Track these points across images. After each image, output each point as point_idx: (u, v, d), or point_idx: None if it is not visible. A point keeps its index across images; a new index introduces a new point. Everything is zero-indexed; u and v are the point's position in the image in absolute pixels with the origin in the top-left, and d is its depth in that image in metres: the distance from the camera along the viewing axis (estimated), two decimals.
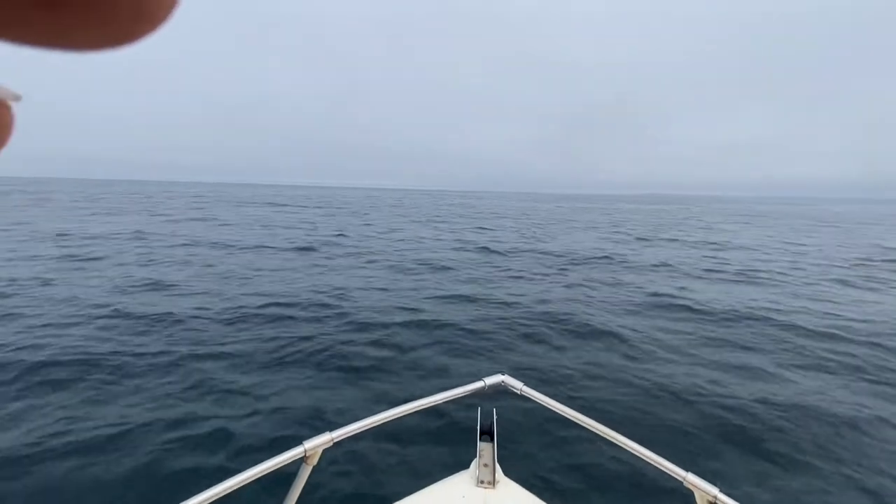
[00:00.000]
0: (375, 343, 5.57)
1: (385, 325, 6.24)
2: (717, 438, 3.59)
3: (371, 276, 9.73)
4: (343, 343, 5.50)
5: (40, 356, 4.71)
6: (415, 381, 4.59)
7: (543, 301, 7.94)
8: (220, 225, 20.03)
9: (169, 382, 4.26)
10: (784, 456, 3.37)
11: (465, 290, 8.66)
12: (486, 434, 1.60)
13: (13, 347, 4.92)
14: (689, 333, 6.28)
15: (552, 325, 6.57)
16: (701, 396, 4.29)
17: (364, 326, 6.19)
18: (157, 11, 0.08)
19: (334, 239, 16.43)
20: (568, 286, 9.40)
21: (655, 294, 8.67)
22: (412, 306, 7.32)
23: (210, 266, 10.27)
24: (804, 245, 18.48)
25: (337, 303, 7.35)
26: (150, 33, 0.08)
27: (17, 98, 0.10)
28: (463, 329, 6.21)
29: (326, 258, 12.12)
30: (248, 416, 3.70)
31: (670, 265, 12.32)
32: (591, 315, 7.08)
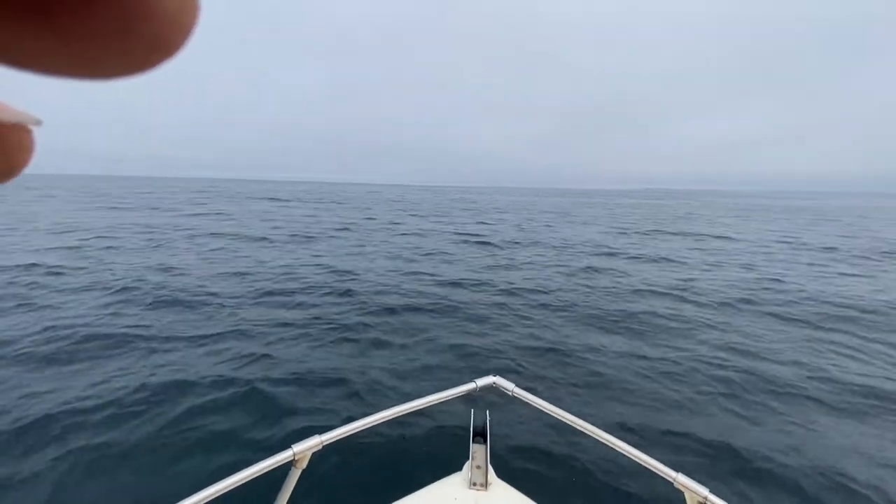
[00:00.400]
0: (386, 324, 5.86)
1: (392, 309, 6.48)
2: (709, 411, 3.79)
3: (378, 265, 9.91)
4: (358, 323, 5.81)
5: (78, 336, 5.01)
6: (423, 354, 4.87)
7: (544, 291, 8.12)
8: (227, 218, 20.23)
9: (206, 353, 4.56)
10: (759, 412, 3.58)
11: (470, 277, 8.86)
12: (479, 436, 1.58)
13: (58, 328, 5.17)
14: (687, 320, 6.46)
15: (553, 311, 6.77)
16: (700, 376, 4.48)
17: (374, 308, 6.49)
18: (174, 39, 0.08)
19: (338, 232, 16.61)
20: (568, 276, 9.57)
21: (655, 283, 8.85)
22: (419, 290, 7.55)
23: (228, 254, 10.47)
24: (801, 237, 18.60)
25: (349, 287, 7.61)
26: (166, 61, 0.09)
27: (38, 123, 0.10)
28: (466, 313, 6.44)
29: (329, 248, 12.30)
30: (268, 380, 3.95)
31: (670, 258, 12.48)
32: (590, 302, 7.28)
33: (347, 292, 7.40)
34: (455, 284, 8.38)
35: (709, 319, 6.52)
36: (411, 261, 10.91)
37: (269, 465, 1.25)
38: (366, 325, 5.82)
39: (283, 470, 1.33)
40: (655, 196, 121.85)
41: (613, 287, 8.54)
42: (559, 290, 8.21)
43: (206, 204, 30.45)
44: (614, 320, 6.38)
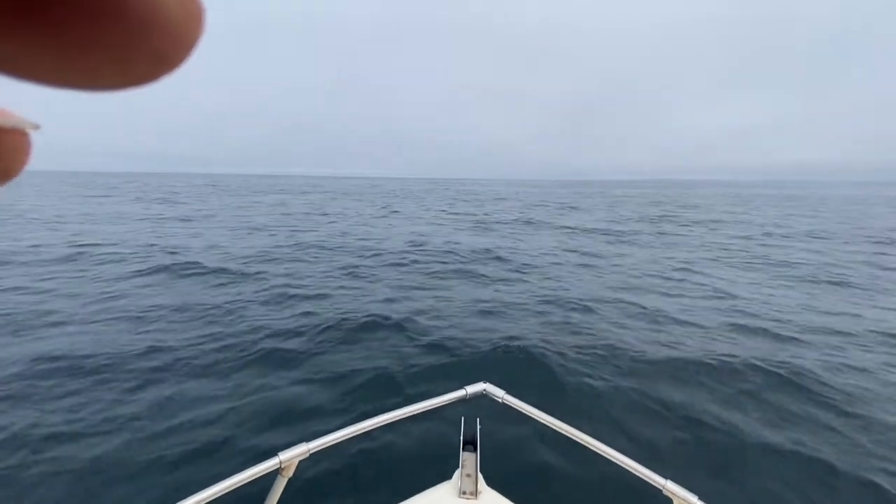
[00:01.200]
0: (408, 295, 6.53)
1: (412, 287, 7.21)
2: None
3: (391, 245, 10.43)
4: (381, 301, 6.48)
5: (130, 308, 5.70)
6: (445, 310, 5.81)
7: (551, 271, 8.67)
8: (284, 214, 20.61)
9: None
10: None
11: (469, 256, 9.41)
12: (469, 444, 1.54)
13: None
14: (690, 296, 7.02)
15: (564, 277, 7.33)
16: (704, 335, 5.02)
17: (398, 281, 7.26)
18: (176, 54, 0.08)
19: (353, 219, 17.07)
20: (573, 255, 10.08)
21: (657, 262, 9.45)
22: (429, 270, 8.22)
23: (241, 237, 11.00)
24: (796, 224, 18.99)
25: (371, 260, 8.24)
26: (168, 74, 0.09)
27: (36, 127, 0.10)
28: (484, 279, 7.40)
29: (341, 232, 12.79)
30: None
31: (672, 243, 12.98)
32: (595, 281, 7.86)
33: (371, 276, 8.15)
34: (465, 259, 9.19)
35: (717, 296, 7.04)
36: (419, 245, 11.48)
37: (255, 474, 1.23)
38: (392, 299, 6.53)
39: (270, 478, 1.31)
40: (657, 186, 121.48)
41: (616, 269, 9.06)
42: (566, 271, 8.76)
43: (221, 198, 30.81)
44: (618, 293, 6.99)
